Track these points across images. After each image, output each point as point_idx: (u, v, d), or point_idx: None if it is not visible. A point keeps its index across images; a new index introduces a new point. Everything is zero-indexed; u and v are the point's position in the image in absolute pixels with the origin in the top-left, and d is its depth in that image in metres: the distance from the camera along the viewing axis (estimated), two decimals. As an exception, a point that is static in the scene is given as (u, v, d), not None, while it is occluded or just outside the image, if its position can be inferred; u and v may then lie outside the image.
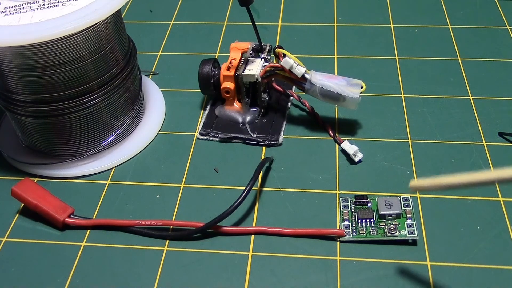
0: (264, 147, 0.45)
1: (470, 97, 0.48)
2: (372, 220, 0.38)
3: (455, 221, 0.39)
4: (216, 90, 0.47)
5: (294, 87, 0.47)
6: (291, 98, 0.49)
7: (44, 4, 0.39)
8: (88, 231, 0.40)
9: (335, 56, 0.54)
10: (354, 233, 0.38)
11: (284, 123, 0.47)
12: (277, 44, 0.46)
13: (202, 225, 0.38)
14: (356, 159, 0.43)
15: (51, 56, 0.38)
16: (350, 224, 0.39)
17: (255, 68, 0.45)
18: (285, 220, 0.40)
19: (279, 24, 0.59)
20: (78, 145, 0.44)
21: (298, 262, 0.37)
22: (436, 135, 0.45)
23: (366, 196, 0.40)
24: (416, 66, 0.52)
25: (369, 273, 0.36)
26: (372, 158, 0.44)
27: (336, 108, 0.48)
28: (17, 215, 0.41)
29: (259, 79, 0.45)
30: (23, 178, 0.42)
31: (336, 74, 0.51)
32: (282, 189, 0.42)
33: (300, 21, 0.59)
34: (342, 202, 0.40)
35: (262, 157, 0.44)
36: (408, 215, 0.38)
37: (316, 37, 0.57)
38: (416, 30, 0.57)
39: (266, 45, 0.48)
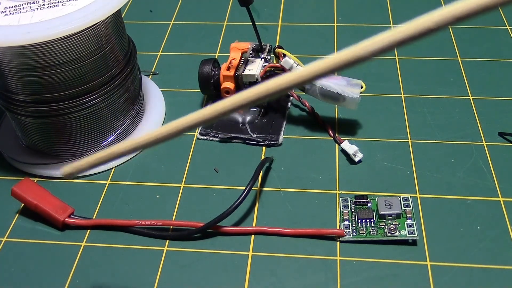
0: (264, 147, 0.45)
1: (470, 97, 0.48)
2: (372, 220, 0.38)
3: (455, 221, 0.39)
4: (216, 90, 0.47)
5: (294, 87, 0.47)
6: (291, 98, 0.49)
7: (44, 4, 0.39)
8: (88, 231, 0.40)
9: (335, 56, 0.54)
10: (354, 233, 0.38)
11: (284, 123, 0.47)
12: (277, 44, 0.46)
13: (202, 225, 0.38)
14: (356, 159, 0.43)
15: (51, 56, 0.38)
16: (350, 224, 0.39)
17: (255, 68, 0.45)
18: (285, 220, 0.40)
19: (279, 24, 0.59)
20: (78, 145, 0.44)
21: (298, 262, 0.37)
22: (436, 135, 0.45)
23: (366, 196, 0.40)
24: (416, 66, 0.52)
25: (369, 273, 0.36)
26: (372, 158, 0.44)
27: (336, 108, 0.48)
28: (17, 215, 0.41)
29: (259, 79, 0.45)
30: (23, 178, 0.42)
31: (336, 74, 0.51)
32: (282, 189, 0.42)
33: (300, 21, 0.59)
34: (342, 202, 0.40)
35: (262, 157, 0.44)
36: (408, 215, 0.38)
37: (316, 37, 0.57)
38: (416, 30, 0.56)
39: (266, 45, 0.48)
